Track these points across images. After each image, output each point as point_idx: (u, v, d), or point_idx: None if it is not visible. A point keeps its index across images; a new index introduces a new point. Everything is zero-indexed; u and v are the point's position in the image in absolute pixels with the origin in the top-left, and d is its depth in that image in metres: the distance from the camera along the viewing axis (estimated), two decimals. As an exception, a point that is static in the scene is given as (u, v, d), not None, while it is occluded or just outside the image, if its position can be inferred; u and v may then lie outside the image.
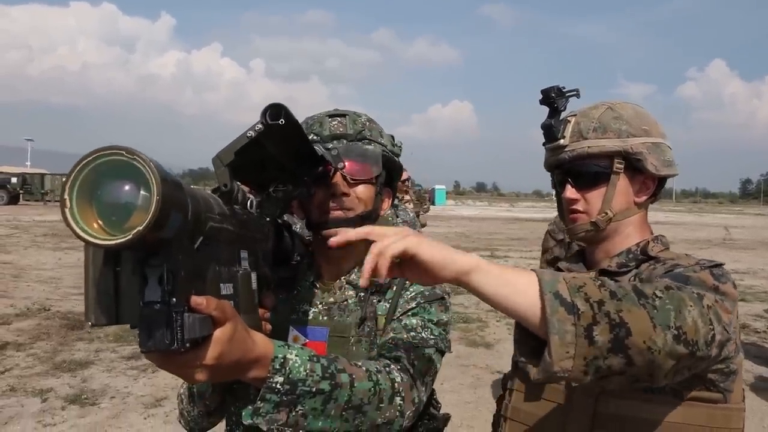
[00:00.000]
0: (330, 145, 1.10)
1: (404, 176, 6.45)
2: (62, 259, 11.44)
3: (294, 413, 0.78)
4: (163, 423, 3.94)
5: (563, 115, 1.22)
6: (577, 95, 1.25)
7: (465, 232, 20.69)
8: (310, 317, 1.13)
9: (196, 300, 0.64)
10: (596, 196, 1.17)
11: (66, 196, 0.56)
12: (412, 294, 1.12)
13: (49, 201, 35.47)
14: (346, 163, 1.09)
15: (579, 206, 1.19)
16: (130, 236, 0.54)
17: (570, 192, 1.19)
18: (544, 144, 1.24)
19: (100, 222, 0.56)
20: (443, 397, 3.94)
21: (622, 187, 1.17)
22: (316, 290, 1.16)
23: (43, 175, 39.56)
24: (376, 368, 0.91)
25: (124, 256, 0.61)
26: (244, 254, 0.82)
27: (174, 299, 0.60)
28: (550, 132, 1.21)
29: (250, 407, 0.77)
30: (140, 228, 0.54)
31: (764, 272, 12.26)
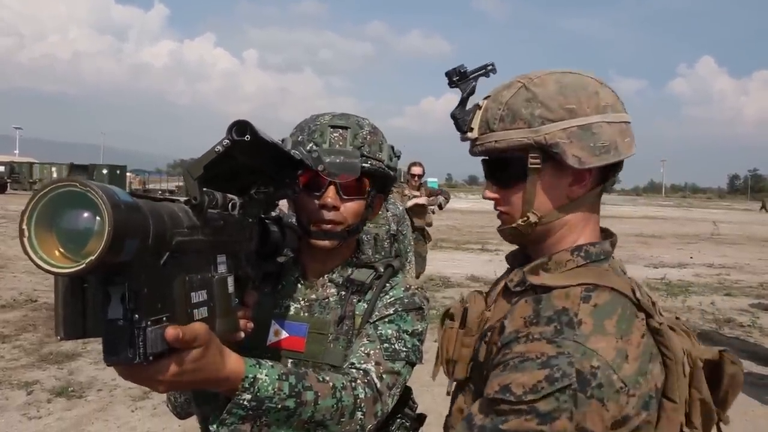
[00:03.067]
0: (327, 159, 1.10)
1: (418, 171, 6.37)
2: (50, 250, 11.34)
3: (257, 425, 0.83)
4: (151, 416, 3.92)
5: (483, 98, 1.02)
6: (487, 74, 1.06)
7: (456, 225, 20.74)
8: (292, 312, 1.16)
9: (171, 333, 0.66)
10: (516, 196, 0.98)
11: (24, 226, 0.58)
12: (391, 299, 1.14)
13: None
14: (341, 178, 1.11)
15: (501, 207, 1.01)
16: (84, 265, 0.56)
17: (488, 191, 1.03)
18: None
19: (62, 250, 0.59)
20: (432, 391, 3.96)
21: (546, 184, 0.95)
22: (299, 286, 1.19)
23: (31, 164, 39.18)
24: (342, 384, 0.94)
25: (89, 276, 0.63)
26: (221, 258, 0.84)
27: (136, 315, 0.63)
28: (457, 123, 1.02)
29: (217, 415, 0.81)
30: (92, 257, 0.56)
31: (750, 267, 12.41)
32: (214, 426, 0.80)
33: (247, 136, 0.76)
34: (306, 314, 1.16)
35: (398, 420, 1.19)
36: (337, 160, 1.11)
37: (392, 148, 1.23)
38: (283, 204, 1.50)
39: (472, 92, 1.03)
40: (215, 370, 0.74)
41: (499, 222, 1.04)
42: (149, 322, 0.64)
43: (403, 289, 1.17)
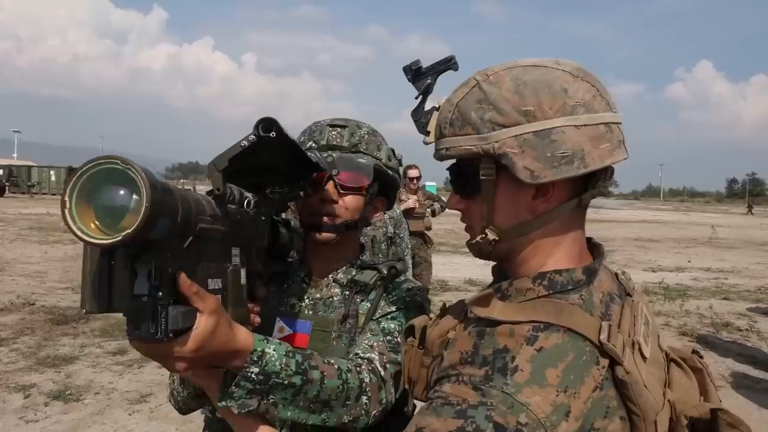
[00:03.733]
0: (325, 154, 1.17)
1: (415, 174, 6.36)
2: (48, 253, 11.32)
3: (265, 401, 0.84)
4: (148, 419, 3.91)
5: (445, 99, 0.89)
6: (446, 69, 0.95)
7: (455, 230, 20.74)
8: (297, 310, 1.20)
9: (183, 277, 0.70)
10: (476, 209, 0.86)
11: (66, 198, 0.62)
12: (394, 298, 1.18)
13: (35, 194, 35.07)
14: (339, 173, 1.15)
15: (465, 219, 0.89)
16: (120, 237, 0.60)
17: (452, 200, 0.90)
18: None
19: (97, 223, 0.62)
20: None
21: (505, 196, 0.82)
22: (305, 285, 1.23)
23: (30, 167, 39.14)
24: (348, 367, 0.96)
25: (118, 252, 0.67)
26: (235, 251, 0.88)
27: (160, 293, 0.67)
28: (418, 126, 0.93)
29: (225, 392, 0.83)
30: (129, 231, 0.59)
31: (748, 271, 12.43)
32: (223, 401, 0.82)
33: (273, 132, 0.79)
34: (310, 312, 1.19)
35: (397, 419, 1.17)
36: (334, 155, 1.17)
37: (392, 150, 1.28)
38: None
39: (428, 91, 0.93)
40: (227, 341, 0.77)
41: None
42: (171, 300, 0.69)
43: (405, 289, 1.20)
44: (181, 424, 3.75)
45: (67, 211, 0.62)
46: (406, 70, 0.94)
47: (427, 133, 0.90)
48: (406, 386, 0.96)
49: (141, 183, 0.60)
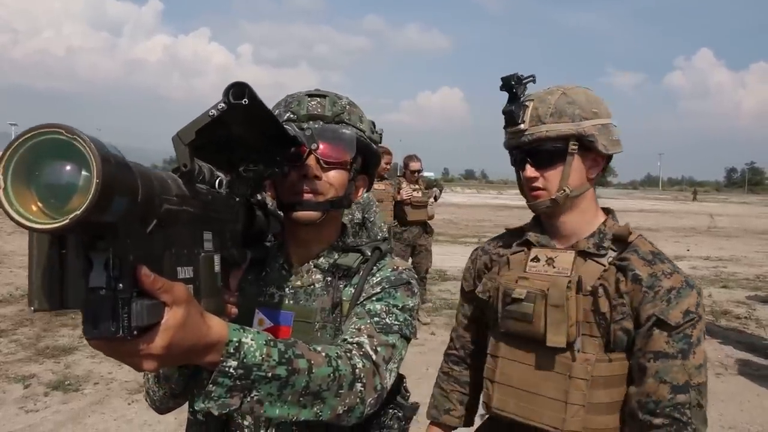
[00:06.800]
0: (305, 125, 1.07)
1: (417, 167, 6.32)
2: (46, 245, 11.29)
3: (248, 399, 0.74)
4: (147, 409, 3.89)
5: (522, 99, 1.34)
6: (533, 81, 1.35)
7: (453, 219, 20.74)
8: (277, 300, 1.11)
9: (144, 272, 0.60)
10: (554, 174, 1.31)
11: (0, 177, 0.52)
12: (378, 279, 1.10)
13: None
14: (321, 146, 1.06)
15: (539, 183, 1.32)
16: (67, 221, 0.50)
17: (530, 171, 1.32)
18: (504, 127, 1.36)
19: (40, 204, 0.53)
20: (428, 383, 3.94)
21: (576, 165, 1.30)
22: (284, 273, 1.14)
23: (26, 160, 38.90)
24: (337, 353, 0.87)
25: (70, 239, 0.58)
26: (207, 236, 0.78)
27: (121, 285, 0.57)
28: (512, 117, 1.32)
29: (202, 392, 0.73)
30: (78, 212, 0.50)
31: (747, 259, 12.45)
32: (201, 403, 0.71)
33: (245, 99, 0.69)
34: (291, 302, 1.10)
35: (391, 410, 1.14)
36: (316, 126, 1.07)
37: (373, 123, 1.18)
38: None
39: (522, 94, 1.33)
40: (200, 335, 0.67)
41: (530, 200, 1.36)
42: (135, 293, 0.59)
43: (390, 269, 1.12)
44: (179, 413, 3.75)
45: (1, 191, 0.52)
46: (509, 78, 1.30)
47: (523, 122, 1.30)
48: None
49: (90, 156, 0.50)
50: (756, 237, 17.93)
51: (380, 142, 1.20)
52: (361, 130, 1.13)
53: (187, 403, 1.08)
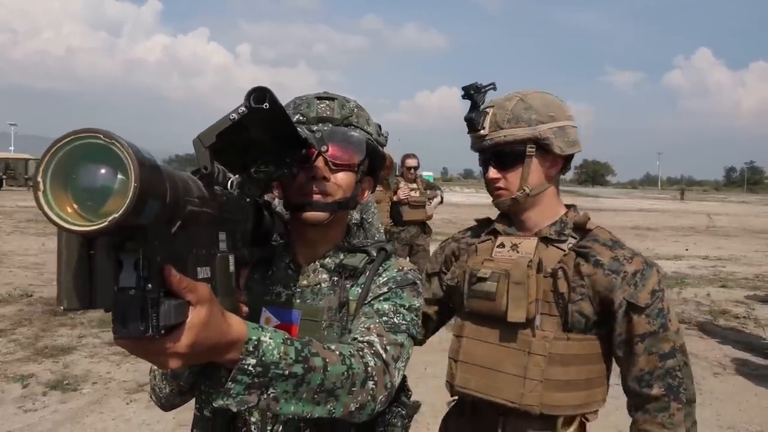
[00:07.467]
0: (315, 128, 1.09)
1: (413, 163, 6.31)
2: (46, 245, 11.29)
3: (265, 396, 0.75)
4: (146, 408, 3.91)
5: (483, 106, 1.43)
6: (494, 88, 1.45)
7: (452, 219, 20.74)
8: (283, 299, 1.12)
9: (172, 272, 0.62)
10: (514, 175, 1.41)
11: (39, 179, 0.54)
12: (384, 279, 1.12)
13: (33, 186, 34.93)
14: (330, 147, 1.08)
15: (501, 184, 1.43)
16: (106, 223, 0.52)
17: (492, 173, 1.43)
18: (468, 133, 1.45)
19: (75, 206, 0.54)
20: (426, 382, 3.95)
21: (535, 166, 1.40)
22: (290, 272, 1.15)
23: (27, 160, 38.92)
24: (350, 352, 0.89)
25: (99, 240, 0.59)
26: (222, 236, 0.81)
27: (149, 285, 0.59)
28: (472, 124, 1.42)
29: (221, 389, 0.74)
30: (116, 215, 0.52)
31: (746, 259, 12.46)
32: (219, 400, 0.73)
33: (266, 104, 0.70)
34: (298, 301, 1.11)
35: (395, 408, 1.16)
36: (326, 128, 1.09)
37: (379, 126, 1.21)
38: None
39: (482, 101, 1.43)
40: (221, 333, 0.69)
41: (494, 198, 1.46)
42: (162, 293, 0.61)
43: (396, 270, 1.14)
44: (178, 412, 3.75)
45: (41, 193, 0.53)
46: (468, 88, 1.41)
47: (482, 128, 1.41)
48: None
49: (128, 161, 0.52)
50: (755, 236, 17.95)
51: (386, 145, 1.22)
52: (368, 133, 1.15)
53: (190, 401, 1.10)
